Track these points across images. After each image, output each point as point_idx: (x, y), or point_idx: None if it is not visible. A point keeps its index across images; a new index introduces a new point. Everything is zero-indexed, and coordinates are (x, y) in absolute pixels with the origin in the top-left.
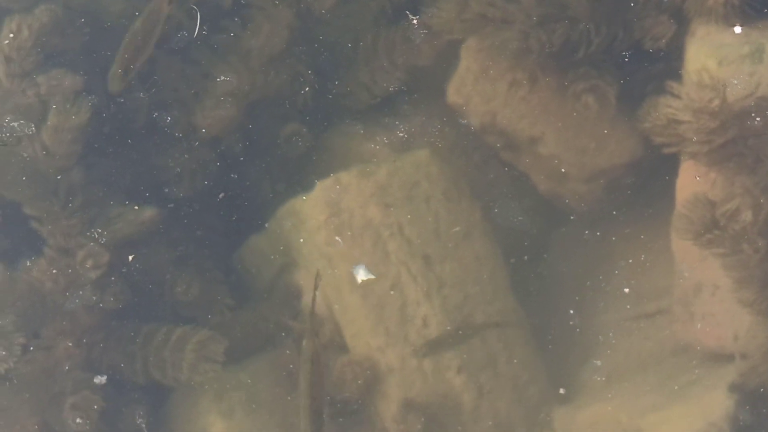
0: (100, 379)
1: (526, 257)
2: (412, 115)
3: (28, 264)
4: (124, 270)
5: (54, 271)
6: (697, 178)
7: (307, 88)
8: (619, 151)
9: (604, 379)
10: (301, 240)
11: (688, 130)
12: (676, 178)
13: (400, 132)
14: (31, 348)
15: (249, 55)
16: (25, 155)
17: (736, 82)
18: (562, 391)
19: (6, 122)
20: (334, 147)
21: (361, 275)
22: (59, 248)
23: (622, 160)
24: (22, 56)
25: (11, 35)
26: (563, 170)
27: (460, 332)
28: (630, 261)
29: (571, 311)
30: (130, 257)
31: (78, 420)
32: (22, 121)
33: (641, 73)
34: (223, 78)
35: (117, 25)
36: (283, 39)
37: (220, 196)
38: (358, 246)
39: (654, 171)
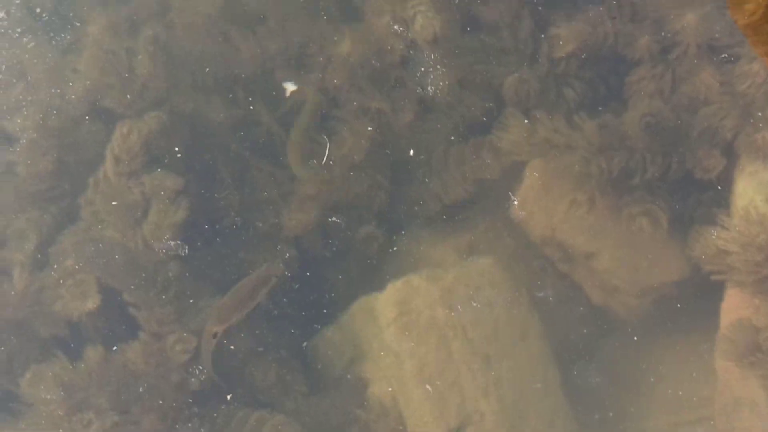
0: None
1: (577, 360)
2: (477, 224)
3: (123, 346)
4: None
5: (146, 354)
6: (742, 305)
7: (383, 195)
8: (669, 270)
9: None
10: (371, 335)
11: (735, 260)
12: (722, 299)
13: (466, 238)
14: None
15: (332, 162)
16: (128, 248)
17: None
18: None
19: (165, 239)
20: (405, 250)
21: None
22: (153, 333)
23: (671, 279)
24: (130, 157)
25: (122, 138)
26: (615, 284)
27: None
28: (674, 370)
29: (614, 413)
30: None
31: None
32: (178, 242)
33: (692, 199)
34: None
35: (216, 133)
36: (363, 150)
37: (296, 287)
38: (424, 343)
39: (701, 290)
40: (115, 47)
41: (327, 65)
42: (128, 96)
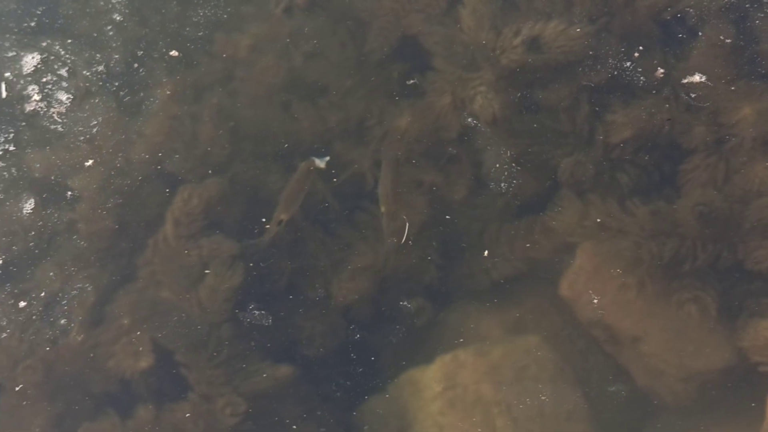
0: None
1: None
2: (525, 300)
3: (173, 406)
4: (256, 420)
5: (195, 415)
6: None
7: (433, 268)
8: (715, 357)
9: None
10: (417, 407)
11: None
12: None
13: (514, 315)
14: None
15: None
16: (183, 310)
17: None
18: None
19: (249, 308)
20: (453, 323)
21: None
22: (202, 395)
23: (717, 366)
24: (189, 221)
25: (183, 202)
26: (661, 368)
27: None
28: None
29: None
30: None
31: None
32: (263, 311)
33: (741, 288)
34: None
35: (273, 200)
36: (417, 223)
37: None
38: (469, 418)
39: (747, 379)
40: (180, 113)
41: (384, 138)
42: (191, 161)
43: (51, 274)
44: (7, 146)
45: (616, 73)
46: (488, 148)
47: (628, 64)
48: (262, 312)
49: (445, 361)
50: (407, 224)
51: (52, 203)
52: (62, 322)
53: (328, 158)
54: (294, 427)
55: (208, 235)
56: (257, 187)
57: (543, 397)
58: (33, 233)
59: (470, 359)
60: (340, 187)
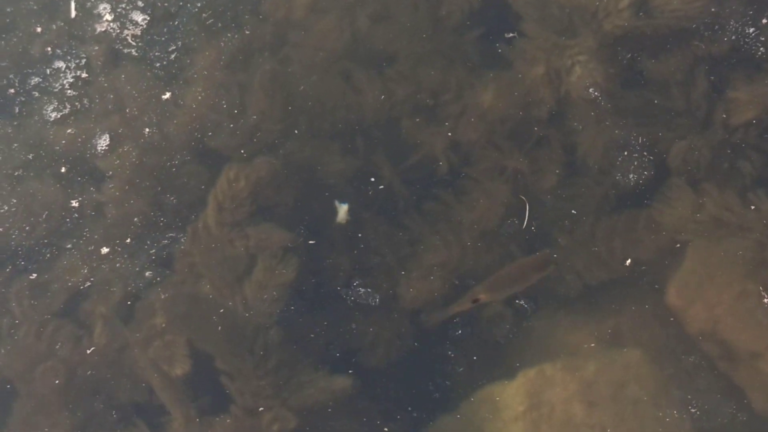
0: None
1: None
2: (623, 309)
3: (211, 420)
4: None
5: (237, 430)
6: None
7: None
8: None
9: None
10: (495, 429)
11: None
12: None
13: (610, 325)
14: None
15: (461, 227)
16: (225, 309)
17: None
18: None
19: (354, 285)
20: (538, 333)
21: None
22: (246, 408)
23: None
24: (235, 205)
25: (228, 183)
26: None
27: None
28: None
29: None
30: None
31: None
32: (369, 289)
33: None
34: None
35: (333, 185)
36: (498, 216)
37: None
38: None
39: None
40: (227, 81)
41: (461, 116)
42: (238, 137)
43: (74, 262)
44: (79, 72)
45: (738, 42)
46: (584, 128)
47: (751, 30)
48: (368, 290)
49: (529, 376)
50: (528, 205)
51: (79, 182)
52: (86, 319)
53: (346, 205)
54: None
55: (256, 224)
56: (313, 169)
57: (644, 420)
58: (56, 216)
59: (559, 375)
60: (408, 173)
